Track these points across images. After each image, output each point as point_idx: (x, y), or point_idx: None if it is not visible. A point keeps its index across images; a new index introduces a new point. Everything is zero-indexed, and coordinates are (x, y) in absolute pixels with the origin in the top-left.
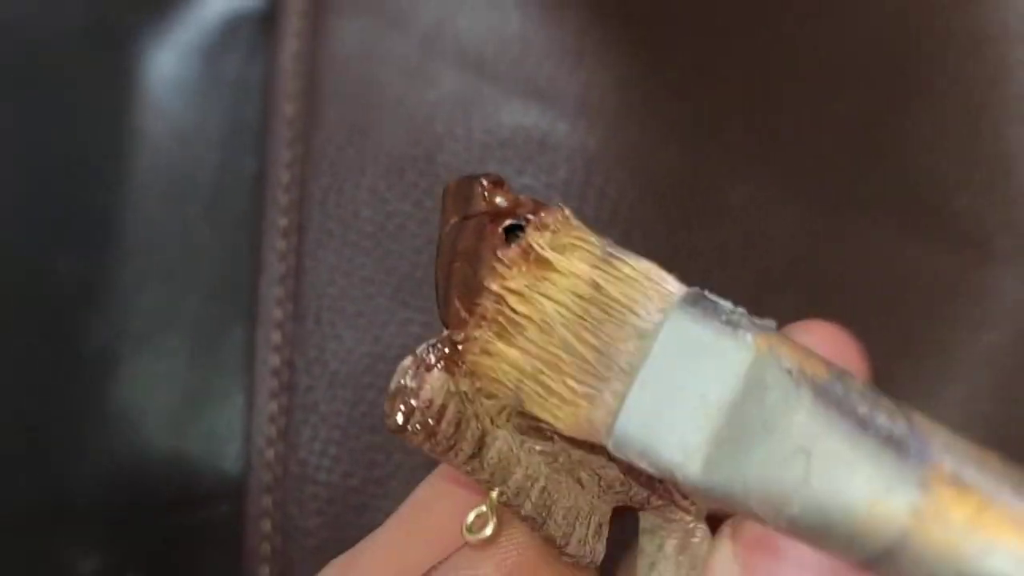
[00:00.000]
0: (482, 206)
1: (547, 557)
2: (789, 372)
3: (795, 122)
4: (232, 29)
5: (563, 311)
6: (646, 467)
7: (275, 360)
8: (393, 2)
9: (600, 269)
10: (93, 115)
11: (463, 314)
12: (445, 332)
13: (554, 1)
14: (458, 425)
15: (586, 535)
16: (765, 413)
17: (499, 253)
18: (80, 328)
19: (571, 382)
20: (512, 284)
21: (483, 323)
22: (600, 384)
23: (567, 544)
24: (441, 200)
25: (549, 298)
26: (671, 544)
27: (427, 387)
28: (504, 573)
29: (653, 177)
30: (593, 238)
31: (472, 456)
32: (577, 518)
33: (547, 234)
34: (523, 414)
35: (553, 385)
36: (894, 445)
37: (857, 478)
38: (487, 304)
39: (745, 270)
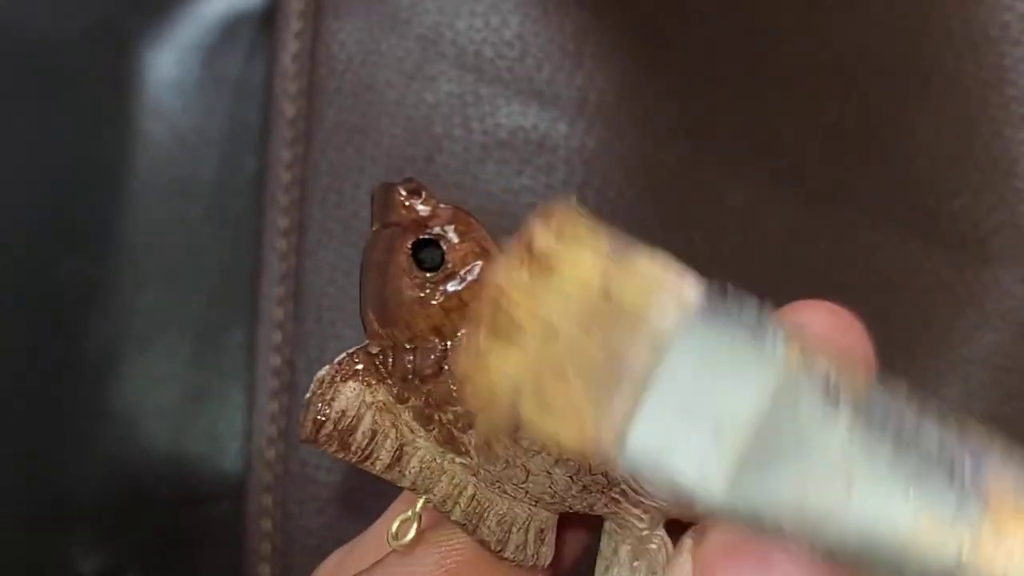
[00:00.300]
0: (400, 215)
1: (488, 557)
2: (826, 384)
3: (794, 123)
4: (232, 29)
5: (569, 314)
6: (660, 487)
7: (275, 360)
8: (393, 3)
9: (610, 268)
10: (94, 116)
11: (375, 326)
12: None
13: (554, 2)
14: (373, 436)
15: (525, 540)
16: (799, 429)
17: (411, 270)
18: (81, 328)
19: (577, 392)
20: (512, 284)
21: (478, 327)
22: (609, 395)
23: (503, 549)
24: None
25: (554, 302)
26: (624, 549)
27: (341, 398)
28: (442, 572)
29: (652, 178)
30: (602, 232)
31: (390, 466)
32: (513, 524)
33: (552, 228)
34: (429, 420)
35: (556, 395)
36: (946, 462)
37: (905, 499)
38: (483, 306)
39: (743, 270)
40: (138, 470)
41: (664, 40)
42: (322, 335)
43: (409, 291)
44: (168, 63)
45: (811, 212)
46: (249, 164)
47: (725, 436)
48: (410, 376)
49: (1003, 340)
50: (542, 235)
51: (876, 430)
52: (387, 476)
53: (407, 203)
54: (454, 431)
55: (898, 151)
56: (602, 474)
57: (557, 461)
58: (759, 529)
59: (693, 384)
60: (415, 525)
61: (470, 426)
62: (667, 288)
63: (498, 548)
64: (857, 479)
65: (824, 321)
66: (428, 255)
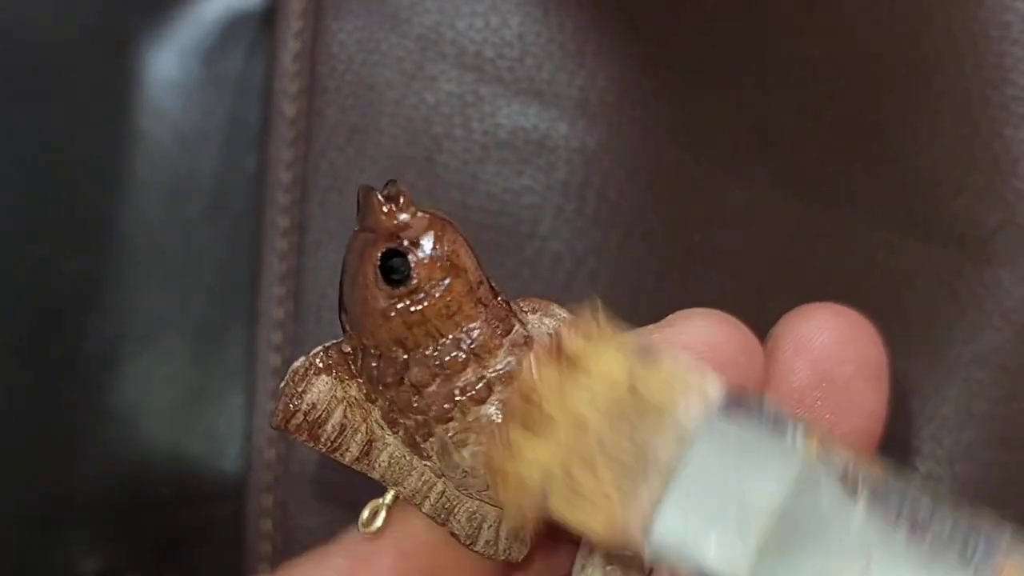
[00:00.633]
0: (377, 220)
1: (450, 541)
2: (844, 473)
3: (794, 123)
4: (232, 29)
5: (598, 410)
6: (686, 570)
7: (275, 360)
8: (393, 3)
9: (636, 366)
10: (94, 116)
11: (347, 327)
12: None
13: (554, 2)
14: (342, 430)
15: (496, 537)
16: (819, 515)
17: (377, 282)
18: (81, 328)
19: (605, 482)
20: (543, 387)
21: (511, 421)
22: (636, 485)
23: (473, 544)
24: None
25: (583, 397)
26: (599, 552)
27: (313, 391)
28: (402, 553)
29: (653, 178)
30: (628, 338)
31: (359, 459)
32: (483, 522)
33: (579, 338)
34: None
35: (585, 485)
36: (958, 544)
37: (924, 574)
38: (515, 400)
39: (744, 271)
40: (138, 470)
41: (664, 40)
42: (322, 335)
43: (373, 302)
44: (168, 63)
45: (811, 212)
46: (249, 164)
47: (748, 522)
48: (374, 380)
49: (1003, 340)
50: (571, 337)
51: (892, 515)
52: (357, 467)
53: (384, 208)
54: (416, 437)
55: (898, 151)
56: None
57: None
58: None
59: (717, 474)
60: (382, 514)
61: (430, 435)
62: (690, 384)
63: (468, 542)
64: (875, 561)
65: (835, 324)
66: (399, 264)
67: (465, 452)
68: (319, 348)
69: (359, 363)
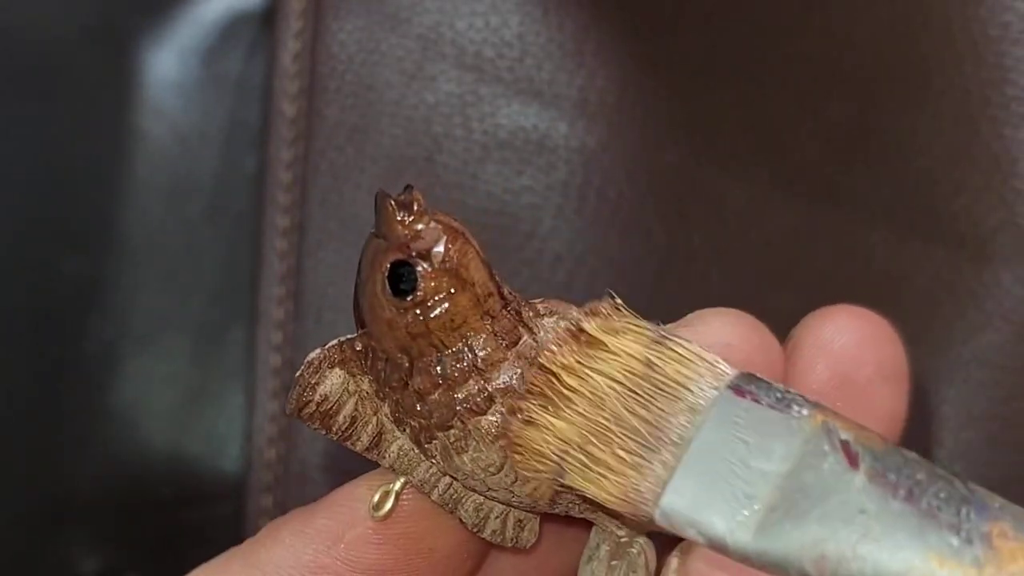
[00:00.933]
0: (390, 228)
1: (436, 508)
2: (845, 445)
3: (794, 122)
4: (232, 29)
5: (615, 385)
6: (695, 537)
7: (275, 360)
8: (393, 3)
9: (653, 349)
10: (94, 116)
11: (358, 328)
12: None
13: (554, 2)
14: (353, 421)
15: (503, 528)
16: (821, 484)
17: (384, 291)
18: (81, 328)
19: (620, 451)
20: (563, 360)
21: (528, 395)
22: (650, 455)
23: (480, 532)
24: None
25: (601, 373)
26: (604, 548)
27: (326, 383)
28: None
29: (652, 177)
30: (645, 323)
31: (369, 448)
32: (491, 513)
33: (599, 319)
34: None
35: (601, 455)
36: (952, 510)
37: (918, 535)
38: (534, 376)
39: (743, 270)
40: (138, 470)
41: (664, 40)
42: (322, 335)
43: (380, 310)
44: (168, 63)
45: (811, 212)
46: (249, 164)
47: (755, 492)
48: (382, 381)
49: (1003, 340)
50: (590, 319)
51: (890, 484)
52: (367, 455)
53: (398, 217)
54: (420, 438)
55: (898, 151)
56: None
57: (515, 481)
58: (784, 571)
59: (727, 447)
60: (390, 501)
61: (433, 437)
62: (704, 367)
63: (475, 531)
64: (873, 525)
65: (856, 325)
66: (408, 273)
67: (466, 457)
68: (335, 341)
69: (369, 362)
